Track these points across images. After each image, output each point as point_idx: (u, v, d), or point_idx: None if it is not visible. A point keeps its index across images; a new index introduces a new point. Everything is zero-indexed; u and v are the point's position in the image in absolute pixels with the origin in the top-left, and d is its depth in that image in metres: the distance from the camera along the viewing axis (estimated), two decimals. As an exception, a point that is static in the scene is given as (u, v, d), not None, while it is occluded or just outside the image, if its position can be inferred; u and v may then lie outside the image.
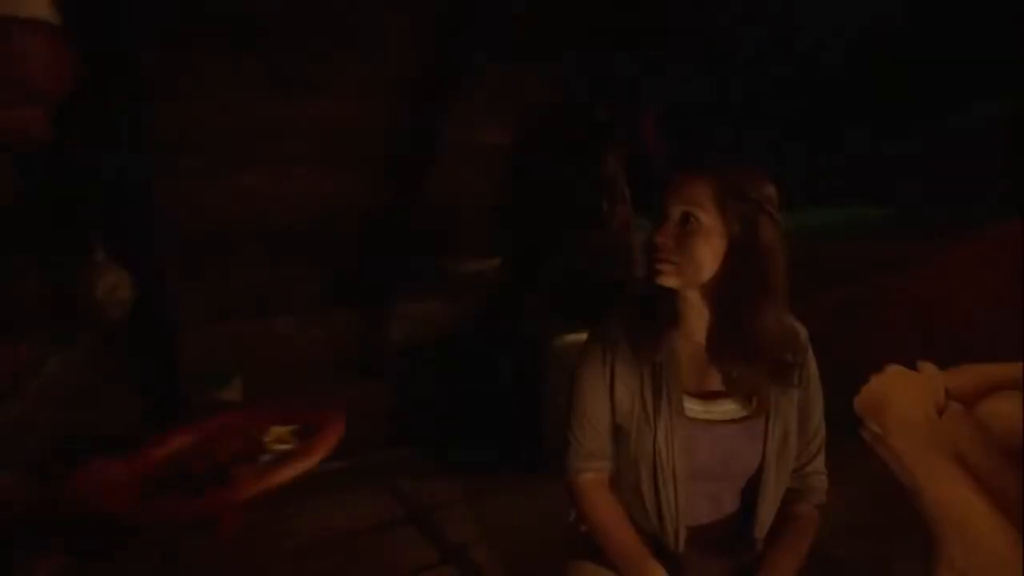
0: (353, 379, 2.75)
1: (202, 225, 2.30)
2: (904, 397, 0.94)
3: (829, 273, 2.65)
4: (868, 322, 2.67)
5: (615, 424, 1.28)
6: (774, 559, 1.25)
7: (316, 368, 2.66)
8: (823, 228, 3.38)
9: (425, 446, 2.81)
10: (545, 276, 2.85)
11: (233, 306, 2.46)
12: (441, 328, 2.89)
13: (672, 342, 1.27)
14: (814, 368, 1.31)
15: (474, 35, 2.30)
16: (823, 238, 3.21)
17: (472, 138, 2.59)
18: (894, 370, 0.97)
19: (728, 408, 1.29)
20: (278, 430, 1.12)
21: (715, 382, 1.29)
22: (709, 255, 1.22)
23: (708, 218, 1.21)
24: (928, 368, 0.98)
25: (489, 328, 2.90)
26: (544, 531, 1.61)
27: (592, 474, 1.30)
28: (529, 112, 2.66)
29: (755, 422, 1.26)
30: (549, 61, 2.52)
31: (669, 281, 1.25)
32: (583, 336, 1.38)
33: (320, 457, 1.04)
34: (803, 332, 1.31)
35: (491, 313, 2.97)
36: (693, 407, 1.28)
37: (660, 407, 1.27)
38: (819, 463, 1.30)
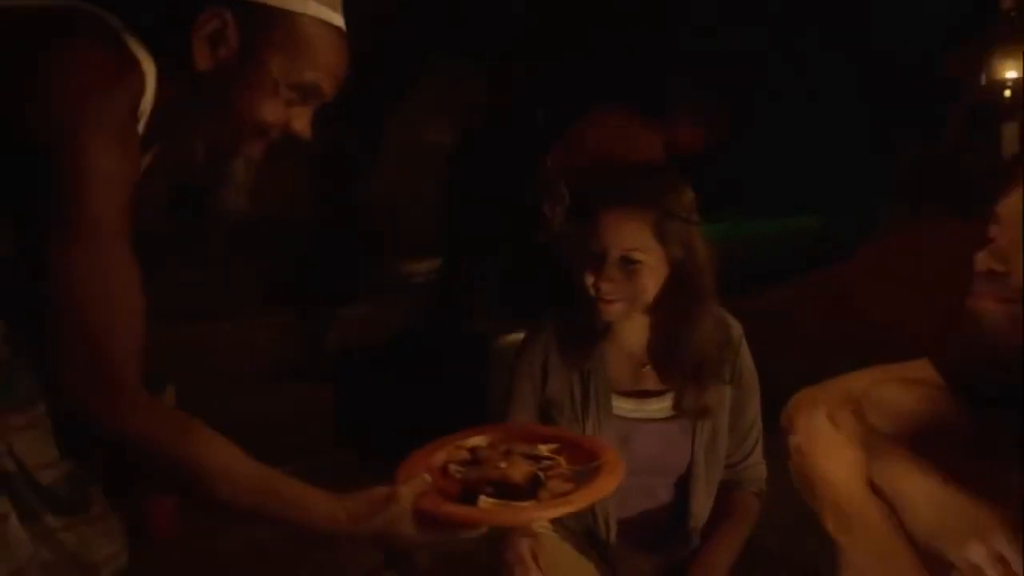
0: (296, 383, 2.71)
1: (136, 224, 2.23)
2: (813, 407, 1.01)
3: (758, 276, 2.73)
4: (794, 323, 2.77)
5: (550, 421, 1.29)
6: (709, 548, 1.29)
7: (257, 372, 2.61)
8: (758, 236, 3.49)
9: (370, 448, 2.79)
10: (488, 276, 2.87)
11: (168, 308, 2.39)
12: (385, 329, 2.87)
13: (603, 349, 1.29)
14: (748, 363, 1.35)
15: (416, 35, 2.30)
16: (757, 246, 3.32)
17: (414, 138, 2.59)
18: (808, 389, 1.04)
19: (660, 407, 1.31)
20: (544, 447, 1.01)
21: (646, 381, 1.32)
22: (653, 286, 1.24)
23: (650, 256, 1.23)
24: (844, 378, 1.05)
25: (434, 328, 2.90)
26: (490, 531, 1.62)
27: None
28: (471, 113, 2.68)
29: (686, 420, 1.28)
30: (492, 62, 2.54)
31: (615, 316, 1.26)
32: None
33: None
34: (736, 327, 1.35)
35: (436, 313, 2.96)
36: (623, 406, 1.30)
37: (588, 406, 1.29)
38: (756, 455, 1.34)
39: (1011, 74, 2.12)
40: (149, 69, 0.84)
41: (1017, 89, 2.13)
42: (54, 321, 0.76)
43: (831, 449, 0.98)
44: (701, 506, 1.29)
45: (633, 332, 1.30)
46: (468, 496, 0.91)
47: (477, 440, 1.03)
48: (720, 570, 1.25)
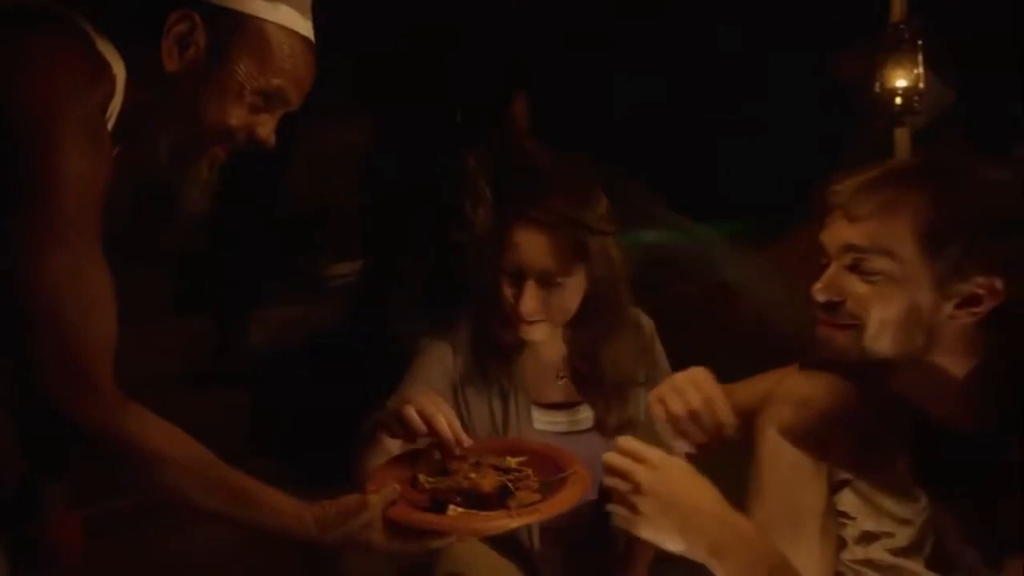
0: (212, 389, 2.62)
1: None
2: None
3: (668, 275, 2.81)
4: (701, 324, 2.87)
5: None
6: (633, 549, 1.32)
7: (170, 378, 2.51)
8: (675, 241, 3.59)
9: (290, 454, 2.73)
10: (410, 277, 2.85)
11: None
12: (305, 332, 2.81)
13: (521, 362, 1.29)
14: (663, 361, 1.39)
15: (328, 33, 2.25)
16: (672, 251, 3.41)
17: (331, 137, 2.54)
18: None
19: (580, 418, 1.33)
20: (513, 460, 1.04)
21: (564, 392, 1.33)
22: (574, 302, 1.26)
23: (570, 276, 1.24)
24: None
25: (355, 331, 2.86)
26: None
27: None
28: (389, 111, 2.65)
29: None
30: (410, 61, 2.52)
31: (537, 337, 1.27)
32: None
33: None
34: (648, 324, 1.38)
35: (358, 315, 2.92)
36: (543, 419, 1.30)
37: (509, 423, 1.28)
38: None
39: (901, 83, 2.25)
40: (119, 70, 0.85)
41: (907, 97, 2.26)
42: (29, 322, 0.76)
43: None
44: None
45: (550, 344, 1.31)
46: (438, 505, 0.92)
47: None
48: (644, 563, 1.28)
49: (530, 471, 1.03)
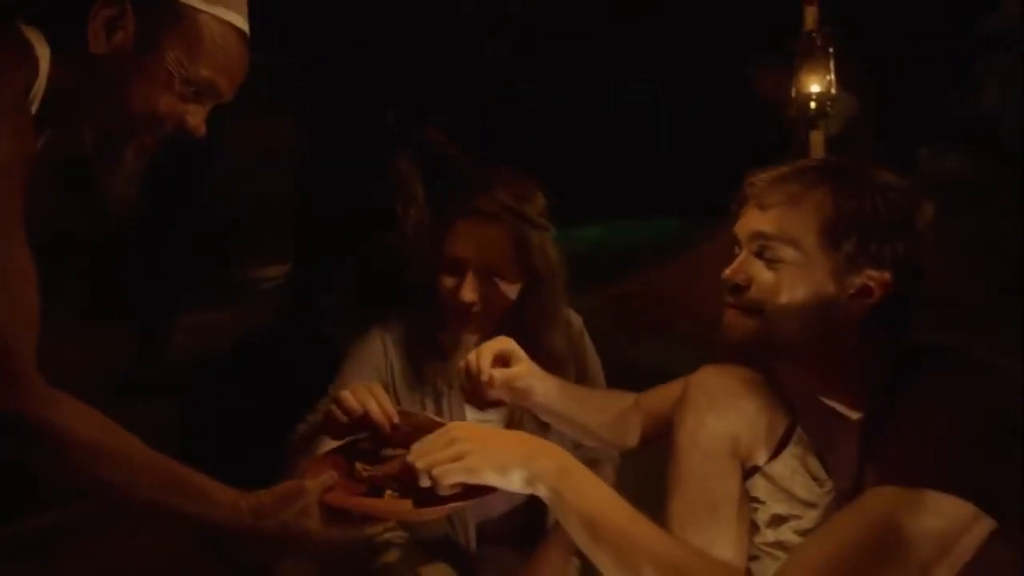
0: (133, 398, 2.54)
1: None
2: None
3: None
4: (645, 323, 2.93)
5: None
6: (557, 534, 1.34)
7: (87, 388, 2.42)
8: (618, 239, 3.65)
9: (221, 462, 2.66)
10: (341, 279, 2.82)
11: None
12: (232, 337, 2.75)
13: (455, 363, 1.30)
14: (592, 357, 1.42)
15: (260, 32, 2.22)
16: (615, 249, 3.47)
17: (260, 136, 2.50)
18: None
19: (513, 416, 1.34)
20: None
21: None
22: (515, 293, 1.28)
23: (512, 268, 1.26)
24: None
25: (285, 334, 2.82)
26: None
27: None
28: (319, 111, 2.62)
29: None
30: (337, 60, 2.50)
31: (477, 327, 1.27)
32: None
33: None
34: (577, 321, 1.41)
35: (288, 318, 2.88)
36: (476, 418, 1.32)
37: (442, 416, 1.29)
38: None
39: (815, 88, 2.36)
40: (43, 53, 0.83)
41: (820, 102, 2.37)
42: None
43: None
44: None
45: (483, 338, 1.32)
46: (374, 491, 0.93)
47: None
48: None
49: None
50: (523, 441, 0.99)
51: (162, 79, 0.89)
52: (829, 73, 2.32)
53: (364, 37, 2.60)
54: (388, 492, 0.97)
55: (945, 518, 0.79)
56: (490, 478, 0.92)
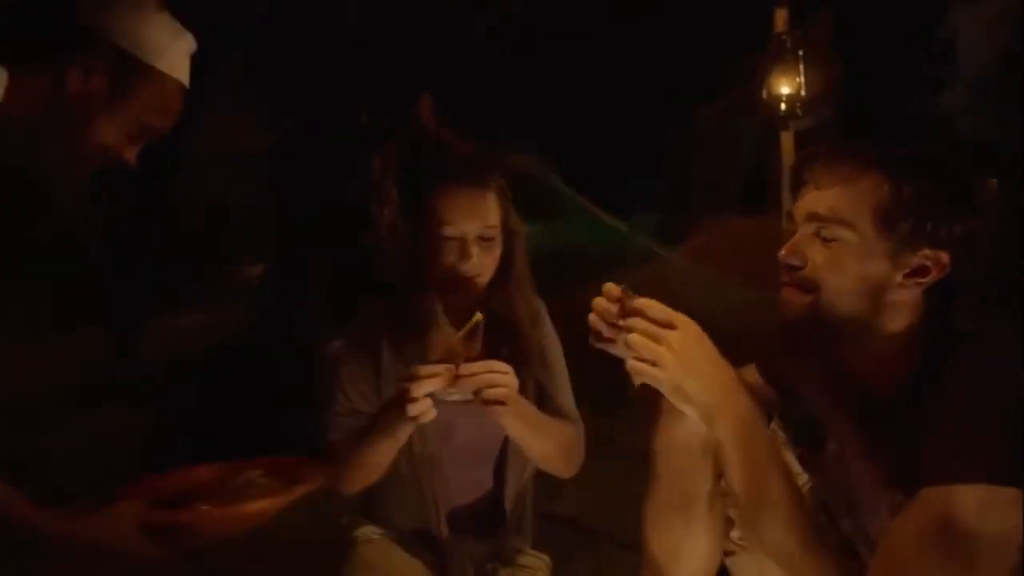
0: (108, 403, 2.51)
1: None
2: None
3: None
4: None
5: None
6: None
7: (62, 394, 2.39)
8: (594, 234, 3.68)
9: (195, 465, 2.64)
10: (317, 279, 2.81)
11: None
12: (208, 340, 2.73)
13: (431, 339, 1.32)
14: (553, 342, 1.42)
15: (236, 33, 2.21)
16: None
17: (236, 138, 2.48)
18: None
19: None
20: (250, 474, 1.15)
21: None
22: (498, 255, 1.30)
23: (498, 232, 1.28)
24: None
25: (260, 336, 2.80)
26: (313, 532, 1.63)
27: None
28: (294, 112, 2.61)
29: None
30: (314, 62, 2.49)
31: (481, 290, 1.29)
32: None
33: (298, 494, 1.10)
34: (542, 307, 1.42)
35: (262, 320, 2.86)
36: (449, 389, 1.33)
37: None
38: (571, 415, 1.39)
39: (785, 89, 2.40)
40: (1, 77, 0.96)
41: (790, 103, 2.42)
42: None
43: None
44: (513, 488, 1.36)
45: (455, 316, 1.33)
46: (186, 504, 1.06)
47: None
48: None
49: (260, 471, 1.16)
50: (724, 378, 0.99)
51: (124, 122, 1.04)
52: (799, 75, 2.36)
53: (340, 35, 2.60)
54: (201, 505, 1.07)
55: (1010, 509, 0.82)
56: (668, 393, 0.96)
